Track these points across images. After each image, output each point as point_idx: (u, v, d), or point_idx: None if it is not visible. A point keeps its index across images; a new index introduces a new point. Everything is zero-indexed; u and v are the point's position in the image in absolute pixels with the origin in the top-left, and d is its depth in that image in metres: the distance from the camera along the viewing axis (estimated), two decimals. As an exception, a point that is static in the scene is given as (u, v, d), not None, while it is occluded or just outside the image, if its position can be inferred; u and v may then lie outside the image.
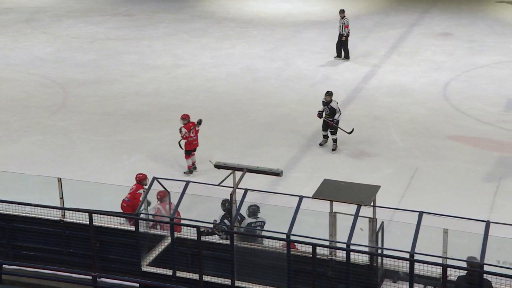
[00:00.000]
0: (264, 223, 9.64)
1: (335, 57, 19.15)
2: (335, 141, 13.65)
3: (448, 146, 13.78)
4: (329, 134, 13.70)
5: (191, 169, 12.84)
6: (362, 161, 13.34)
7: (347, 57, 19.02)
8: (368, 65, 18.70)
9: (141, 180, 10.59)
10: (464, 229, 8.51)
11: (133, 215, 9.35)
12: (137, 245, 9.03)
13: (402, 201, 11.45)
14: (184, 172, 12.76)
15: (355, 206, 8.31)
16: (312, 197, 8.64)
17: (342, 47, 19.00)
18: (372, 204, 8.65)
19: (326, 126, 13.68)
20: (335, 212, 8.63)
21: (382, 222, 8.84)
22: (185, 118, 12.76)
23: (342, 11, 19.00)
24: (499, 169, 12.71)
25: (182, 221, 9.17)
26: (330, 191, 8.79)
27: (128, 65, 19.23)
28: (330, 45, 19.94)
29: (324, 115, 13.61)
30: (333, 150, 13.63)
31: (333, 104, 13.50)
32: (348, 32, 18.83)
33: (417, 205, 9.77)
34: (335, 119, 13.51)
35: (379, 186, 8.94)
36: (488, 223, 7.96)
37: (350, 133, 13.71)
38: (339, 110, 13.56)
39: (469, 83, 17.11)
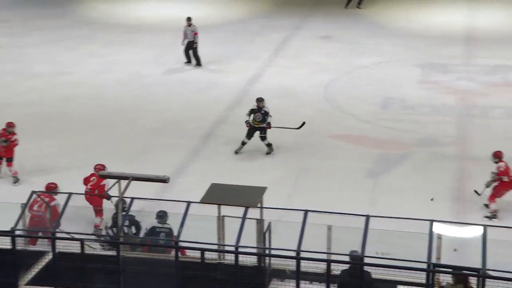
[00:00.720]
0: (171, 230, 9.55)
1: (185, 63, 19.19)
2: (269, 145, 13.75)
3: (333, 146, 14.27)
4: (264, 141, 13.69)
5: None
6: (252, 163, 13.55)
7: (199, 64, 19.09)
8: (253, 68, 19.03)
9: (100, 171, 10.44)
10: (347, 225, 8.86)
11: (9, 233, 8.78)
12: (14, 264, 8.62)
13: (289, 201, 11.74)
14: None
15: (243, 209, 8.48)
16: (200, 202, 8.71)
17: (194, 55, 19.07)
18: (259, 205, 8.85)
19: (252, 133, 13.69)
20: (223, 216, 8.75)
21: (270, 223, 9.05)
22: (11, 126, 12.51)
23: (189, 19, 19.07)
24: (378, 166, 13.32)
25: (65, 235, 8.94)
26: (217, 195, 8.91)
27: (7, 74, 18.51)
28: (216, 50, 20.16)
29: (252, 122, 13.62)
30: (267, 153, 13.72)
31: (266, 109, 13.63)
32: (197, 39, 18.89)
33: (304, 204, 10.00)
34: (269, 122, 13.60)
35: (266, 188, 9.16)
36: (367, 217, 8.36)
37: (299, 128, 13.85)
38: (269, 112, 13.62)
39: (350, 84, 17.80)
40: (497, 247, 8.31)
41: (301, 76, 18.41)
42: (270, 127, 13.64)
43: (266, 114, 13.57)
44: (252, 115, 13.65)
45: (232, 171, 12.98)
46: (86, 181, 11.03)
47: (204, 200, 8.78)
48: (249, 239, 8.61)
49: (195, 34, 18.85)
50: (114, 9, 25.41)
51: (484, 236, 8.09)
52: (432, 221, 8.37)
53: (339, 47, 20.86)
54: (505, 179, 11.24)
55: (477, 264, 7.89)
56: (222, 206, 8.75)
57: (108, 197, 10.43)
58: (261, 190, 9.02)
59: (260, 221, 8.77)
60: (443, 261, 8.49)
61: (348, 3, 24.97)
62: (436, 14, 23.82)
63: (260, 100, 13.74)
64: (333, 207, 10.72)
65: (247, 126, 13.63)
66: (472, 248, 8.64)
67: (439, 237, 8.47)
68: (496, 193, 11.39)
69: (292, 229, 8.58)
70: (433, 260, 8.14)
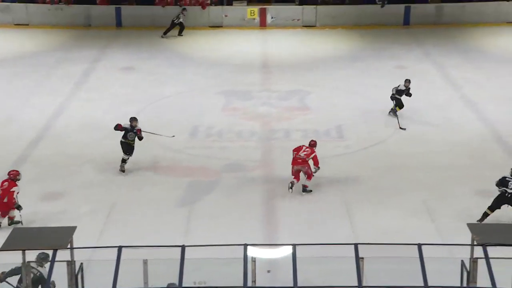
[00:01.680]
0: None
1: None
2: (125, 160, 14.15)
3: (142, 176, 14.10)
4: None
5: None
6: (58, 202, 12.92)
7: None
8: (54, 102, 18.29)
9: (15, 176, 11.55)
10: (164, 256, 8.75)
11: None
12: None
13: (102, 237, 11.35)
14: None
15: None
16: (1, 250, 8.08)
17: None
18: (69, 246, 8.43)
19: (129, 149, 14.14)
20: (29, 262, 8.20)
21: (81, 263, 8.66)
22: None
23: None
24: (190, 194, 13.40)
25: None
26: (21, 240, 8.32)
27: None
28: (11, 86, 19.10)
29: (126, 141, 14.02)
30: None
31: (137, 128, 14.02)
32: None
33: (118, 239, 9.76)
34: (142, 136, 14.05)
35: (75, 227, 8.76)
36: (183, 248, 8.32)
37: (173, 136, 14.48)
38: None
39: (156, 114, 17.75)
40: (308, 264, 8.70)
41: (105, 108, 18.03)
42: (140, 135, 14.07)
43: (139, 131, 14.07)
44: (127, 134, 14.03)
45: (38, 214, 12.28)
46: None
47: (6, 248, 8.15)
48: (61, 284, 8.17)
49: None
50: None
51: (294, 254, 8.42)
52: (246, 245, 8.55)
53: (141, 77, 20.77)
54: None
55: (290, 283, 8.19)
56: (27, 251, 8.20)
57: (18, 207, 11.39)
58: (71, 229, 8.61)
59: (71, 263, 8.35)
60: (258, 284, 8.71)
61: (167, 32, 24.97)
62: (234, 43, 24.70)
63: (133, 120, 14.06)
64: (148, 239, 10.59)
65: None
66: (284, 268, 8.95)
67: (253, 260, 8.68)
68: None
69: (107, 267, 8.29)
70: (249, 284, 8.30)
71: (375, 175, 14.18)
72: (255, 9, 26.56)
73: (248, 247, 8.54)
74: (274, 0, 27.75)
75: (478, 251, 8.42)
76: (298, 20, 26.49)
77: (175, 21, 24.92)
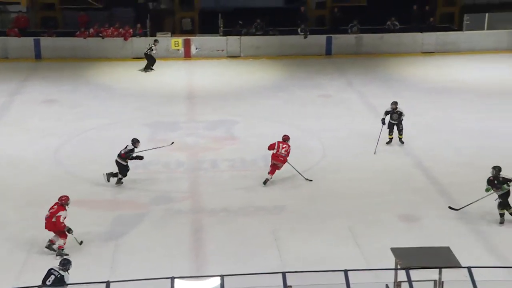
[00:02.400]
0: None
1: None
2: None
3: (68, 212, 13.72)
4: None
5: None
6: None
7: None
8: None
9: (65, 201, 12.08)
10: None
11: None
12: None
13: (22, 275, 10.95)
14: None
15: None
16: None
17: None
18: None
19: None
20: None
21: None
22: None
23: None
24: (116, 228, 13.14)
25: None
26: None
27: None
28: None
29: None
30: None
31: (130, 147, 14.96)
32: None
33: (40, 276, 9.42)
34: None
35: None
36: (108, 284, 8.13)
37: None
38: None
39: (80, 147, 17.42)
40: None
41: (26, 143, 17.54)
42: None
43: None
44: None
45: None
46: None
47: None
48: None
49: None
50: None
51: (222, 286, 8.38)
52: (173, 278, 8.45)
53: (64, 110, 20.35)
54: None
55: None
56: None
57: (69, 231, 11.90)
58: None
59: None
60: (187, 316, 8.60)
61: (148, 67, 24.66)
62: (159, 74, 24.61)
63: (135, 142, 14.90)
64: (73, 275, 10.27)
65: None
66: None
67: (181, 292, 8.58)
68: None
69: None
70: (178, 317, 8.19)
71: (301, 203, 14.34)
72: (179, 40, 26.62)
73: (175, 280, 8.45)
74: (198, 31, 27.97)
75: (402, 275, 8.61)
76: (222, 50, 26.71)
77: (147, 53, 24.70)
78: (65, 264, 10.19)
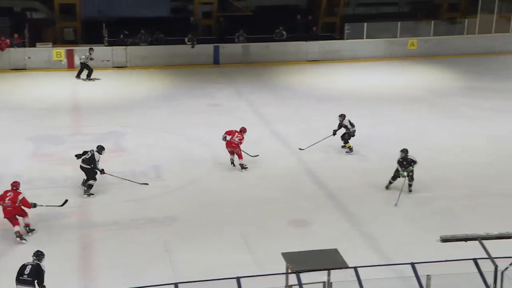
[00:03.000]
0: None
1: None
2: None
3: None
4: None
5: None
6: None
7: None
8: None
9: (17, 186, 13.18)
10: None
11: None
12: None
13: None
14: None
15: None
16: None
17: None
18: None
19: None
20: None
21: None
22: None
23: None
24: (1, 246, 12.51)
25: None
26: None
27: None
28: None
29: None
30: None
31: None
32: None
33: None
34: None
35: None
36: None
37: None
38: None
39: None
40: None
41: None
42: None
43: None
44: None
45: None
46: (2, 197, 12.94)
47: None
48: None
49: None
50: None
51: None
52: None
53: None
54: None
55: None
56: None
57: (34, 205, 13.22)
58: None
59: None
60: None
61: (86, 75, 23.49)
62: (40, 85, 23.76)
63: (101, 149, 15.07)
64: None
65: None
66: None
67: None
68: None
69: None
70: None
71: (193, 213, 14.26)
72: (62, 50, 25.84)
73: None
74: (81, 41, 27.24)
75: (293, 279, 8.74)
76: (108, 61, 26.20)
77: (82, 62, 23.69)
78: (39, 255, 10.83)
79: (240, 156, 16.35)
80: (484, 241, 9.12)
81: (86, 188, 14.90)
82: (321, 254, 9.94)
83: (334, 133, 17.60)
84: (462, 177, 16.18)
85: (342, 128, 17.56)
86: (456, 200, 14.92)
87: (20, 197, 12.94)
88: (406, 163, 14.91)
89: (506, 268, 9.18)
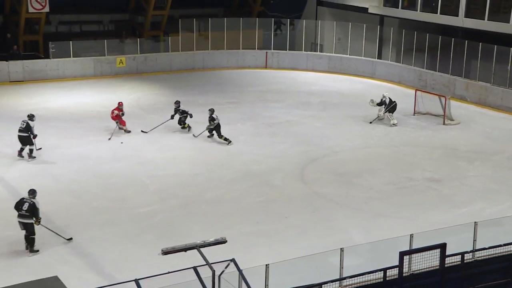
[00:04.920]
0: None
1: None
2: None
3: None
4: None
5: None
6: None
7: None
8: None
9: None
10: None
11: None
12: None
13: None
14: None
15: None
16: None
17: None
18: None
19: None
20: None
21: None
22: None
23: None
24: None
25: None
26: None
27: None
28: None
29: None
30: None
31: None
32: None
33: None
34: None
35: None
36: None
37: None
38: None
39: None
40: None
41: None
42: None
43: None
44: None
45: None
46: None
47: None
48: None
49: None
50: None
51: None
52: None
53: None
54: None
55: None
56: None
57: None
58: None
59: None
60: None
61: None
62: None
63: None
64: None
65: None
66: None
67: None
68: None
69: None
70: None
71: None
72: None
73: None
74: None
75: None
76: None
77: None
78: (33, 192, 13.11)
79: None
80: (202, 249, 9.48)
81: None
82: (40, 284, 9.40)
83: (172, 117, 21.27)
84: (175, 188, 16.71)
85: (177, 114, 21.23)
86: (172, 211, 15.35)
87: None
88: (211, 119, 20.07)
89: (222, 272, 9.65)
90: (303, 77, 31.05)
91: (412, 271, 10.86)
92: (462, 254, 11.36)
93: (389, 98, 22.70)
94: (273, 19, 33.33)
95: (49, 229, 13.55)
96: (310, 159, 19.14)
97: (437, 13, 28.18)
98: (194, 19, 31.90)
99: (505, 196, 16.62)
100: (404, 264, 10.54)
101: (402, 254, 10.41)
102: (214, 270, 9.42)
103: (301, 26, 32.82)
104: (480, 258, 11.66)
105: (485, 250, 11.64)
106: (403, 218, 15.08)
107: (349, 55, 31.68)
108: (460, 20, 26.89)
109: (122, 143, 20.01)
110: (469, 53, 26.58)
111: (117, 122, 20.85)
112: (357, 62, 31.37)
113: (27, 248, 13.03)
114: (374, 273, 10.59)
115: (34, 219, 12.95)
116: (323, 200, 16.19)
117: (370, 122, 22.43)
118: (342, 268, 10.61)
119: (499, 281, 11.75)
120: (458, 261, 11.34)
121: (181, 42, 31.38)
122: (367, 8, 31.46)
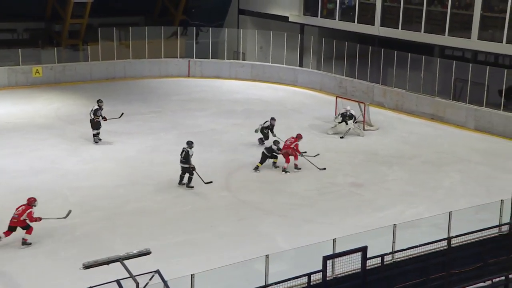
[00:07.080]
0: None
1: None
2: None
3: None
4: None
5: None
6: None
7: None
8: None
9: (31, 202, 13.79)
10: None
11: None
12: None
13: None
14: None
15: None
16: None
17: None
18: None
19: None
20: None
21: None
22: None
23: None
24: None
25: None
26: None
27: None
28: None
29: None
30: None
31: None
32: None
33: None
34: None
35: None
36: None
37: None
38: None
39: None
40: None
41: None
42: None
43: None
44: None
45: None
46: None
47: None
48: None
49: None
50: None
51: None
52: None
53: None
54: None
55: None
56: None
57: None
58: None
59: None
60: None
61: None
62: None
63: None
64: None
65: None
66: None
67: None
68: None
69: None
70: None
71: None
72: None
73: None
74: None
75: None
76: None
77: None
78: (191, 143, 17.05)
79: None
80: (126, 261, 9.35)
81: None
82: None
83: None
84: (96, 200, 16.40)
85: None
86: (95, 223, 15.04)
87: (28, 211, 13.57)
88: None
89: (147, 284, 9.53)
90: (226, 85, 31.15)
91: (336, 274, 11.08)
92: (382, 256, 11.69)
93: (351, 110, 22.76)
94: (194, 27, 33.30)
95: (199, 176, 17.00)
96: (235, 167, 19.21)
97: (354, 22, 28.93)
98: (114, 27, 31.47)
99: (422, 198, 17.21)
100: (328, 268, 10.77)
101: (325, 259, 10.63)
102: (138, 283, 9.30)
103: (223, 35, 32.94)
104: (399, 259, 12.04)
105: (403, 251, 12.03)
106: (327, 223, 15.35)
107: (271, 63, 32.02)
108: (376, 29, 27.71)
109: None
110: (385, 60, 27.41)
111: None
112: (279, 70, 31.75)
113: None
114: (298, 279, 10.75)
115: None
116: (249, 208, 16.27)
117: (341, 137, 22.60)
118: (267, 275, 10.70)
119: (416, 280, 12.17)
120: (379, 263, 11.66)
121: (101, 51, 30.87)
122: (288, 17, 31.94)
